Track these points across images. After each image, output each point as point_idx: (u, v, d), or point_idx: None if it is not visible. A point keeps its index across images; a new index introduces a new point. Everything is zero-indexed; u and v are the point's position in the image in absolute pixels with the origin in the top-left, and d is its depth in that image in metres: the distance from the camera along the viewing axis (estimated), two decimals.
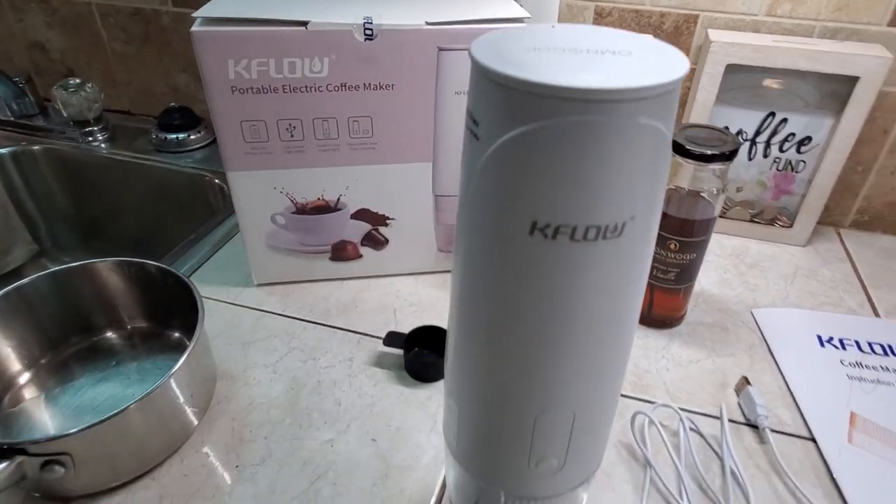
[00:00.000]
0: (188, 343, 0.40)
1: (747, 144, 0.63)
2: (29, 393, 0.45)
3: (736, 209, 0.67)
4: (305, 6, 0.47)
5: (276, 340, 0.52)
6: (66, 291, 0.46)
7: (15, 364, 0.45)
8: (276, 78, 0.46)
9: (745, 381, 0.46)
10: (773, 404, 0.46)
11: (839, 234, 0.68)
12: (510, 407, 0.24)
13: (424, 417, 0.45)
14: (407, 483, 0.40)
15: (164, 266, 0.46)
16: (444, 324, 0.52)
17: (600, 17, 0.65)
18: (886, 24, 0.57)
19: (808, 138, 0.61)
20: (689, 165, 0.46)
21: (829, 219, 0.69)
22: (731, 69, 0.58)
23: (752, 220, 0.66)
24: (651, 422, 0.44)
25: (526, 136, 0.19)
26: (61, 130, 0.87)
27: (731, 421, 0.45)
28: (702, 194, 0.47)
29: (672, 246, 0.48)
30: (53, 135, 0.87)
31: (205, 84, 0.46)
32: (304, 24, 0.44)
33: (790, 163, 0.63)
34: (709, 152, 0.44)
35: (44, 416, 0.44)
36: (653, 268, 0.50)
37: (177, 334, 0.50)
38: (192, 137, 0.83)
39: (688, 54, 0.64)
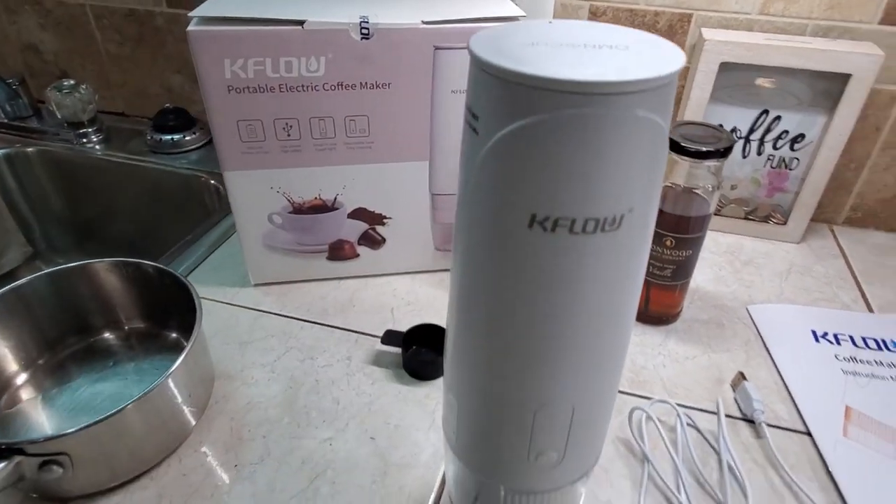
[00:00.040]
0: (185, 343, 0.40)
1: (741, 142, 0.64)
2: (26, 394, 0.45)
3: (730, 207, 0.67)
4: (302, 5, 0.47)
5: (273, 340, 0.52)
6: (63, 292, 0.46)
7: (12, 365, 0.45)
8: (272, 77, 0.46)
9: (742, 376, 0.47)
10: (769, 399, 0.46)
11: (833, 230, 0.69)
12: (510, 400, 0.25)
13: (423, 415, 0.45)
14: (406, 480, 0.40)
15: (161, 266, 0.46)
16: (441, 322, 0.52)
17: (595, 17, 0.65)
18: (878, 22, 0.58)
19: (802, 136, 0.61)
20: (684, 162, 0.46)
21: (823, 216, 0.69)
22: (725, 67, 0.59)
23: (746, 218, 0.67)
24: (648, 417, 0.44)
25: (525, 129, 0.19)
26: (55, 132, 0.86)
27: (727, 416, 0.45)
28: (697, 191, 0.47)
29: (668, 243, 0.49)
30: (47, 136, 0.86)
31: (201, 84, 0.46)
32: (301, 23, 0.45)
33: (784, 160, 0.63)
34: (704, 149, 0.45)
35: (41, 417, 0.44)
36: (649, 264, 0.50)
37: (174, 335, 0.50)
38: (187, 138, 0.83)
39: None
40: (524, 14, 0.48)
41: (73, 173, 0.86)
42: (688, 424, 0.44)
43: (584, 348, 0.23)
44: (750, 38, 0.58)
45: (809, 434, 0.44)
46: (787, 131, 0.62)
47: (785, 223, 0.66)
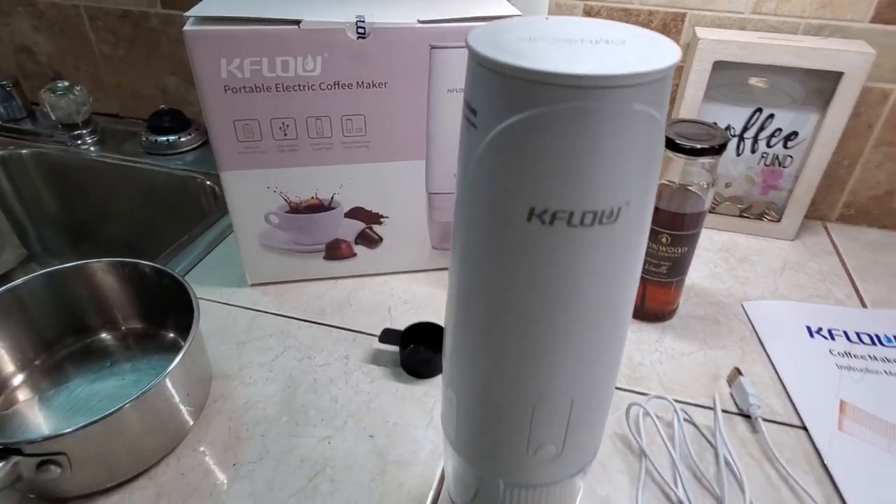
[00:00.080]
0: (183, 343, 0.40)
1: (735, 140, 0.64)
2: (23, 395, 0.45)
3: (725, 204, 0.68)
4: (298, 5, 0.47)
5: (271, 339, 0.52)
6: (59, 292, 0.46)
7: (8, 365, 0.45)
8: (269, 77, 0.47)
9: (737, 371, 0.47)
10: (765, 394, 0.47)
11: (826, 227, 0.69)
12: (509, 394, 0.25)
13: (421, 413, 0.45)
14: (405, 478, 0.40)
15: (158, 266, 0.46)
16: (439, 321, 0.52)
17: (589, 16, 0.66)
18: (869, 20, 0.58)
19: (795, 133, 0.62)
20: (679, 160, 0.47)
21: (816, 213, 0.70)
22: (719, 66, 0.59)
23: (740, 215, 0.67)
24: (646, 413, 0.44)
25: (523, 123, 0.19)
26: (49, 134, 0.86)
27: (723, 411, 0.45)
28: (692, 188, 0.48)
29: (664, 240, 0.49)
30: (41, 138, 0.86)
31: (197, 83, 0.46)
32: (297, 22, 0.45)
33: (777, 158, 0.64)
34: (698, 146, 0.45)
35: (38, 418, 0.43)
36: (645, 261, 0.51)
37: (171, 334, 0.50)
38: (182, 139, 0.83)
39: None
40: (520, 13, 0.48)
41: (68, 175, 0.86)
42: (685, 420, 0.44)
43: (582, 341, 0.23)
44: (743, 36, 0.59)
45: (805, 428, 0.44)
46: (780, 129, 0.62)
47: (779, 220, 0.66)
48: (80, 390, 0.46)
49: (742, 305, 0.56)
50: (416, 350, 0.50)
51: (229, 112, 0.48)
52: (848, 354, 0.50)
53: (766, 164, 0.64)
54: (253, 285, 0.58)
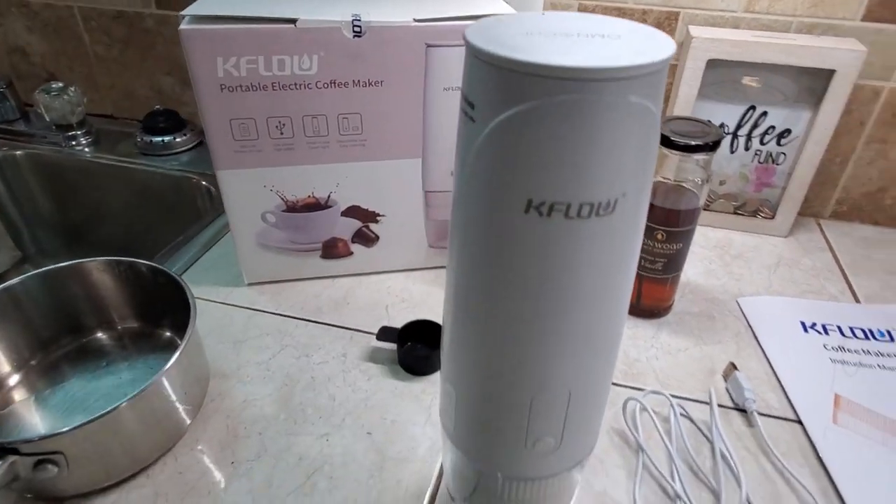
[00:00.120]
0: (179, 342, 0.40)
1: (729, 138, 0.64)
2: (19, 395, 0.45)
3: (719, 202, 0.68)
4: (294, 3, 0.47)
5: (268, 338, 0.52)
6: (55, 292, 0.46)
7: (4, 365, 0.45)
8: (265, 75, 0.47)
9: (733, 366, 0.47)
10: (760, 389, 0.47)
11: (819, 224, 0.70)
12: (507, 386, 0.25)
13: (419, 410, 0.45)
14: (403, 474, 0.40)
15: (154, 265, 0.46)
16: (436, 319, 0.52)
17: None
18: (860, 19, 0.59)
19: (788, 131, 0.62)
20: (674, 157, 0.47)
21: (810, 210, 0.70)
22: (712, 64, 0.60)
23: (735, 213, 0.68)
24: (643, 408, 0.44)
25: (521, 115, 0.19)
26: (43, 135, 0.86)
27: (719, 406, 0.46)
28: (687, 185, 0.48)
29: (659, 236, 0.49)
30: (35, 139, 0.86)
31: (193, 82, 0.46)
32: (293, 21, 0.45)
33: (771, 155, 0.64)
34: (693, 143, 0.45)
35: (34, 418, 0.43)
36: (641, 258, 0.51)
37: (168, 333, 0.50)
38: (177, 140, 0.83)
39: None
40: (515, 12, 0.48)
41: (62, 176, 0.85)
42: (681, 414, 0.45)
43: (579, 333, 0.23)
44: (736, 35, 0.59)
45: (800, 422, 0.44)
46: (773, 126, 0.63)
47: (773, 217, 0.66)
48: (77, 390, 0.45)
49: (737, 301, 0.57)
50: (414, 347, 0.50)
51: (225, 111, 0.48)
52: (842, 349, 0.50)
53: (759, 162, 0.65)
54: (250, 284, 0.58)
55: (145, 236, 0.86)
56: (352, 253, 0.58)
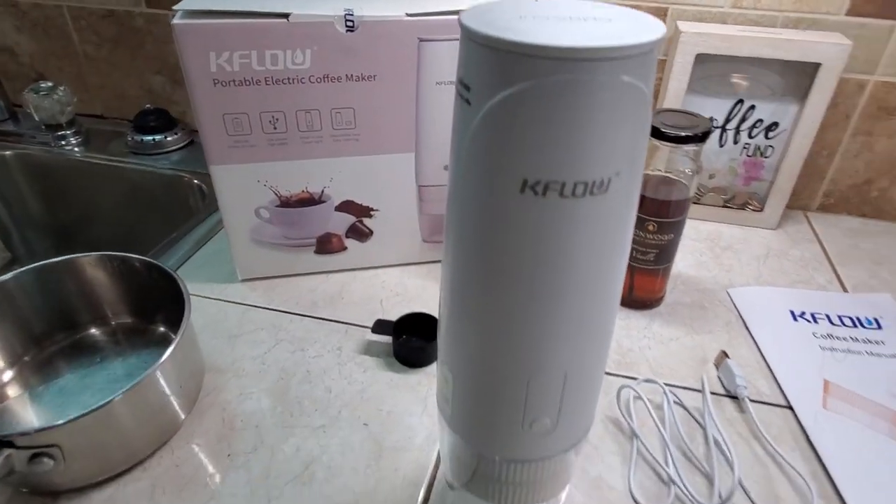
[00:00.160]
0: (173, 337, 0.40)
1: (718, 131, 0.65)
2: (12, 391, 0.44)
3: (709, 195, 0.69)
4: None
5: (263, 333, 0.52)
6: (49, 287, 0.46)
7: None
8: (258, 70, 0.47)
9: (724, 354, 0.48)
10: (752, 376, 0.48)
11: (807, 216, 0.71)
12: (504, 368, 0.25)
13: (415, 400, 0.45)
14: (401, 463, 0.41)
15: (148, 259, 0.46)
16: (430, 312, 0.52)
17: None
18: (844, 13, 0.60)
19: (775, 124, 0.63)
20: (664, 148, 0.48)
21: (798, 203, 0.71)
22: (701, 59, 0.60)
23: (724, 206, 0.69)
24: (637, 396, 0.45)
25: (516, 96, 0.20)
26: (32, 135, 0.85)
27: (712, 393, 0.46)
28: (677, 176, 0.49)
29: (650, 227, 0.50)
30: (24, 139, 0.85)
31: (186, 77, 0.46)
32: (286, 16, 0.45)
33: (759, 148, 0.65)
34: (683, 134, 0.46)
35: (29, 414, 0.43)
36: (632, 249, 0.52)
37: (162, 329, 0.50)
38: (168, 139, 0.83)
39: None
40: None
41: (52, 176, 0.85)
42: (674, 402, 0.45)
43: (575, 313, 0.24)
44: (724, 29, 0.60)
45: (790, 407, 0.45)
46: (761, 120, 0.63)
47: (762, 210, 0.67)
48: (71, 387, 0.45)
49: (727, 292, 0.57)
50: (409, 340, 0.50)
51: (218, 106, 0.48)
52: (830, 336, 0.51)
53: (748, 155, 0.66)
54: (243, 281, 0.58)
55: (137, 236, 0.85)
56: (346, 248, 0.58)
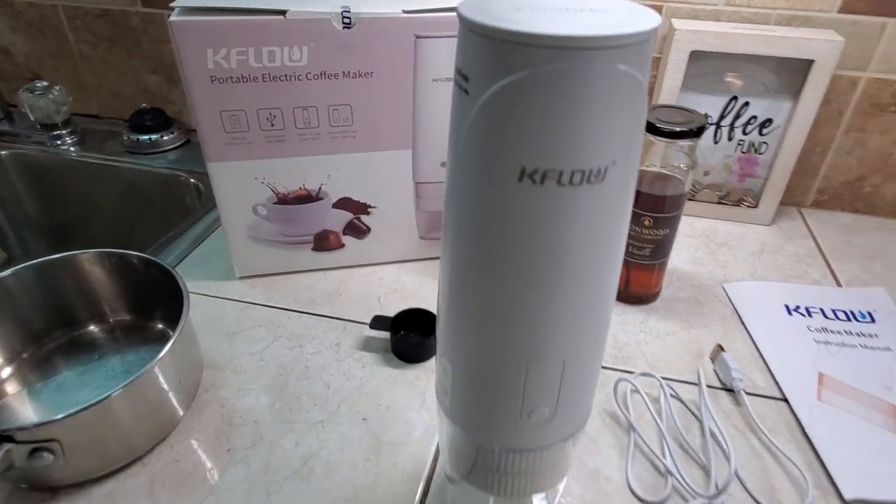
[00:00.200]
0: (171, 334, 0.40)
1: (712, 128, 0.66)
2: (10, 388, 0.44)
3: (704, 192, 0.69)
4: None
5: (261, 330, 0.52)
6: (47, 284, 0.46)
7: None
8: (255, 67, 0.47)
9: (720, 348, 0.48)
10: (747, 369, 0.48)
11: (801, 213, 0.71)
12: (503, 355, 0.25)
13: (413, 395, 0.45)
14: (399, 457, 0.41)
15: (146, 256, 0.46)
16: (428, 308, 0.52)
17: None
18: (837, 10, 0.61)
19: (769, 120, 0.64)
20: (659, 144, 0.48)
21: (792, 199, 0.72)
22: (695, 56, 0.61)
23: (719, 202, 0.69)
24: (634, 389, 0.45)
25: (514, 85, 0.20)
26: (28, 135, 0.85)
27: (708, 386, 0.46)
28: (672, 172, 0.49)
29: (646, 222, 0.50)
30: (20, 139, 0.85)
31: (184, 75, 0.46)
32: (283, 12, 0.45)
33: (753, 145, 0.66)
34: (678, 129, 0.46)
35: (27, 411, 0.43)
36: (628, 244, 0.52)
37: (160, 326, 0.50)
38: (164, 138, 0.83)
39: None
40: None
41: (48, 176, 0.85)
42: (671, 395, 0.45)
43: (572, 300, 0.24)
44: (718, 27, 0.61)
45: (785, 400, 0.45)
46: (755, 117, 0.64)
47: (756, 206, 0.68)
48: (69, 383, 0.45)
49: (723, 287, 0.58)
50: (407, 336, 0.50)
51: (216, 103, 0.48)
52: (825, 330, 0.52)
53: (742, 152, 0.66)
54: (241, 278, 0.58)
55: (133, 235, 0.85)
56: (343, 245, 0.58)
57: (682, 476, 0.39)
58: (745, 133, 0.65)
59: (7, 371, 0.45)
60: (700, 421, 0.43)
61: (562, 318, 0.24)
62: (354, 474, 0.40)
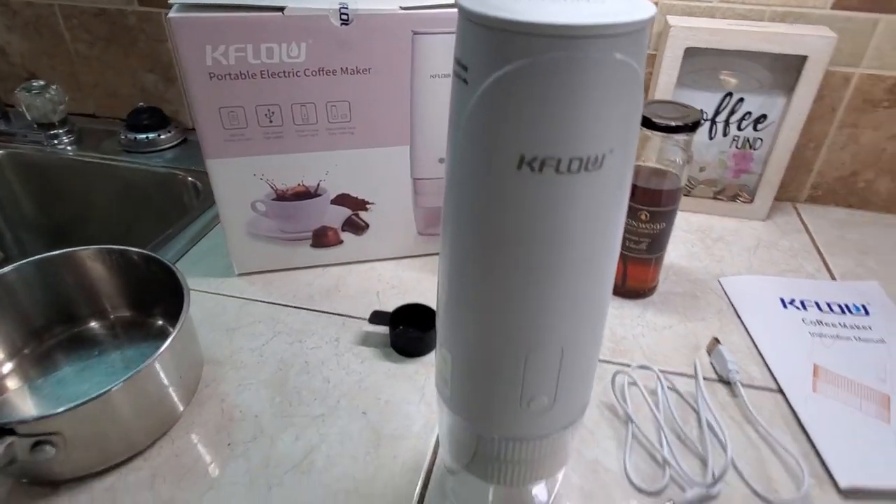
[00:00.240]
0: (172, 330, 0.40)
1: (707, 124, 0.66)
2: (11, 383, 0.44)
3: (700, 188, 0.70)
4: None
5: (260, 326, 0.52)
6: (48, 280, 0.46)
7: None
8: (253, 63, 0.47)
9: (716, 341, 0.49)
10: (743, 362, 0.49)
11: (796, 208, 0.72)
12: (502, 344, 0.26)
13: (413, 389, 0.46)
14: (399, 450, 0.41)
15: (146, 252, 0.46)
16: (427, 303, 0.53)
17: None
18: (830, 7, 0.61)
19: (764, 116, 0.64)
20: (655, 139, 0.49)
21: (786, 194, 0.73)
22: (690, 52, 0.61)
23: (715, 198, 0.70)
24: (631, 382, 0.46)
25: (512, 74, 0.20)
26: (24, 134, 0.85)
27: (704, 378, 0.47)
28: (668, 166, 0.50)
29: (643, 216, 0.51)
30: (16, 139, 0.85)
31: (182, 71, 0.47)
32: (281, 9, 0.45)
33: (748, 140, 0.66)
34: (673, 124, 0.47)
35: (28, 406, 0.43)
36: (625, 238, 0.52)
37: (160, 322, 0.50)
38: (161, 137, 0.83)
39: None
40: None
41: (45, 175, 0.85)
42: (668, 387, 0.46)
43: (571, 289, 0.24)
44: (713, 24, 0.61)
45: (781, 391, 0.46)
46: (749, 112, 0.65)
47: (751, 202, 0.68)
48: (69, 379, 0.45)
49: (719, 281, 0.58)
50: (406, 330, 0.50)
51: (214, 99, 0.48)
52: (819, 323, 0.52)
53: (737, 148, 0.67)
54: (240, 275, 0.58)
55: (131, 234, 0.85)
56: (342, 241, 0.58)
57: (679, 466, 0.39)
58: (739, 129, 0.66)
59: (8, 367, 0.45)
60: (697, 412, 0.44)
61: (560, 306, 0.25)
62: (355, 467, 0.40)
